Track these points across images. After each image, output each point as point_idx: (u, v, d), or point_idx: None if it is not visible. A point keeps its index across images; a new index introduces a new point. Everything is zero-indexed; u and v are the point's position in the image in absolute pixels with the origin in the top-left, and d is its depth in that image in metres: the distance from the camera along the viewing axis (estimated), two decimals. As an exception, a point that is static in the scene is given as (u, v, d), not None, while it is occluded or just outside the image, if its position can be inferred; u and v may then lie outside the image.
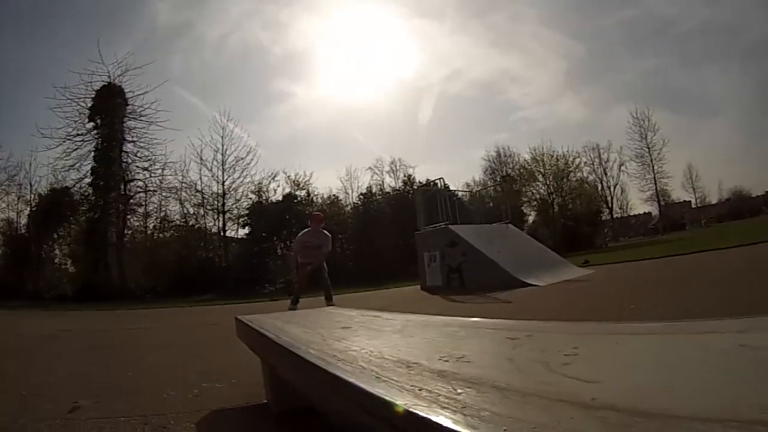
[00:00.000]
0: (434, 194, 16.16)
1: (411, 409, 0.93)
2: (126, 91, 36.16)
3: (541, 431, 0.78)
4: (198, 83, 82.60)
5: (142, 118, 36.54)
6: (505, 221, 15.97)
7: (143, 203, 38.70)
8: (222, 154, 40.30)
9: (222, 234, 39.63)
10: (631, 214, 78.29)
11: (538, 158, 55.90)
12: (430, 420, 0.86)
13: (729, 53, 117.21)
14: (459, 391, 1.03)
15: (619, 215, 70.91)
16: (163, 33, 77.76)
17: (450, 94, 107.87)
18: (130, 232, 38.54)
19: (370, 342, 1.94)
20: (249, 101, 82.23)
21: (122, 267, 34.65)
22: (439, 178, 18.21)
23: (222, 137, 40.69)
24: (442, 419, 0.85)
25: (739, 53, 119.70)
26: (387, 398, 1.02)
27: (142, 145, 36.98)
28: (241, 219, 39.97)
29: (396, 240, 30.25)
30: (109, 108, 35.07)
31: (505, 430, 0.79)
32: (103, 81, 35.51)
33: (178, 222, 39.72)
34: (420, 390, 1.06)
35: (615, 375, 1.13)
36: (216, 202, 39.73)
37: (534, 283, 10.81)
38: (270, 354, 2.41)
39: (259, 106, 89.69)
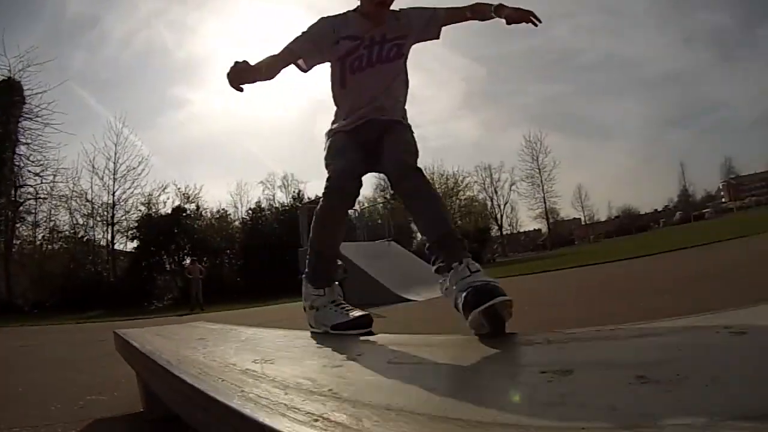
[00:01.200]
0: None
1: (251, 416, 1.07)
2: (25, 88, 34.66)
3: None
4: (98, 82, 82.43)
5: (38, 119, 35.08)
6: (387, 239, 16.88)
7: (33, 211, 37.33)
8: (114, 163, 40.00)
9: (111, 247, 39.11)
10: (521, 230, 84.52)
11: (428, 177, 57.85)
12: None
13: (627, 85, 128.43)
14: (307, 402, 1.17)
15: (508, 232, 76.48)
16: (69, 25, 75.87)
17: None
18: (18, 242, 37.25)
19: (229, 354, 2.23)
20: (146, 105, 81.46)
21: (9, 280, 33.37)
22: (316, 198, 18.90)
23: (115, 144, 40.46)
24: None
25: (636, 85, 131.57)
26: (233, 406, 1.16)
27: (35, 148, 35.60)
28: (130, 232, 39.50)
29: (284, 256, 31.13)
30: (6, 105, 33.60)
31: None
32: (2, 75, 34.01)
33: (67, 233, 38.79)
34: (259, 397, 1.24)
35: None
36: (106, 213, 39.24)
37: (412, 299, 11.62)
38: (138, 364, 2.73)
39: (155, 112, 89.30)
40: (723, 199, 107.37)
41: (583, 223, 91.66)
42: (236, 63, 2.63)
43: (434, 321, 6.71)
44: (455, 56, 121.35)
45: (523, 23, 2.89)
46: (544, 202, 72.94)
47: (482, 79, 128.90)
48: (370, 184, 60.89)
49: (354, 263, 13.14)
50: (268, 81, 2.89)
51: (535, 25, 2.93)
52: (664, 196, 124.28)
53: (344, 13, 2.99)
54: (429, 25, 3.01)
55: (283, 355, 2.14)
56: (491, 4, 2.88)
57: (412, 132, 3.03)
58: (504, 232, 74.40)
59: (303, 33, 2.94)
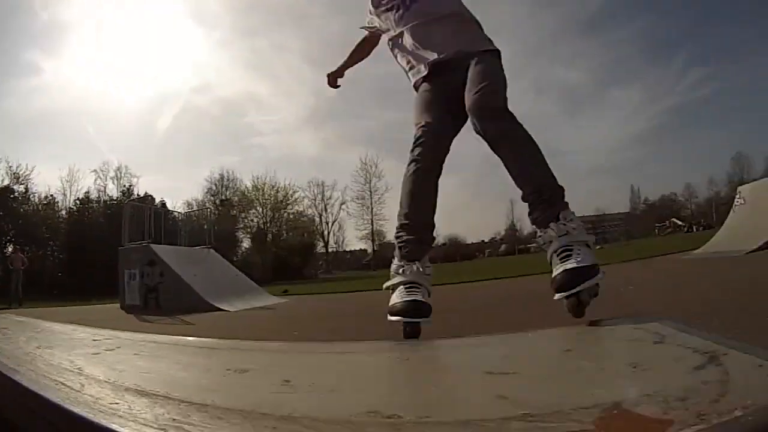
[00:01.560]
0: (142, 209, 16.97)
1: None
2: None
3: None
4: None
5: None
6: (207, 245, 16.59)
7: None
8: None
9: None
10: (347, 249, 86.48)
11: (260, 187, 58.72)
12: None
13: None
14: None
15: (334, 249, 78.01)
16: None
17: (194, 105, 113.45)
18: None
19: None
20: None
21: None
22: (149, 196, 19.30)
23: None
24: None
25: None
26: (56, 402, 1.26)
27: None
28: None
29: (109, 253, 31.45)
30: None
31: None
32: None
33: None
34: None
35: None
36: None
37: (224, 308, 11.45)
38: None
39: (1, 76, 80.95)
40: None
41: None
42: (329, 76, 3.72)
43: (236, 330, 6.98)
44: (312, 69, 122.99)
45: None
46: (372, 224, 75.25)
47: (332, 97, 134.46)
48: (201, 188, 61.42)
49: (170, 267, 13.03)
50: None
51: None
52: (493, 229, 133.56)
53: None
54: None
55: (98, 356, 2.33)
56: None
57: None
58: (330, 249, 75.93)
59: None
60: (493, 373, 1.60)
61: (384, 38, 3.38)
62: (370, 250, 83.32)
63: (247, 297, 13.32)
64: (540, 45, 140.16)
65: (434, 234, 2.94)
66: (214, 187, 58.39)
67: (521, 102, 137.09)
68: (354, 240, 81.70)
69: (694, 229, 71.86)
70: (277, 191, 59.32)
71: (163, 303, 12.77)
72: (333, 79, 3.87)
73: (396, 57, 3.35)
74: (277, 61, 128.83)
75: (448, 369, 2.02)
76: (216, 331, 6.98)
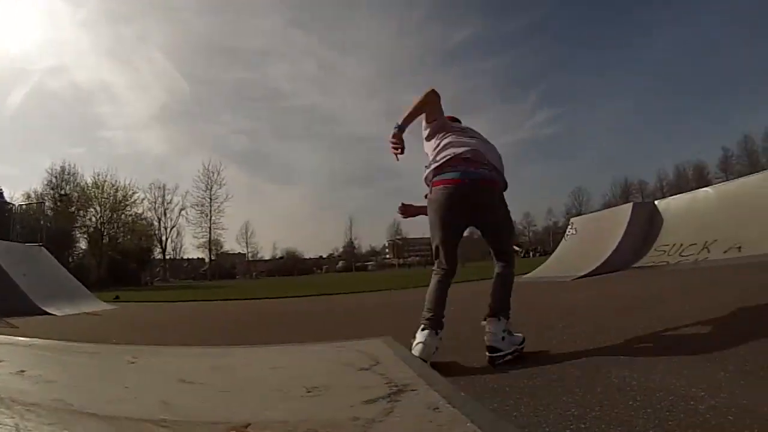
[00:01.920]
0: None
1: None
2: None
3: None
4: None
5: None
6: (39, 244, 15.78)
7: None
8: None
9: None
10: (185, 257, 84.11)
11: (100, 184, 55.43)
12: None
13: (320, 137, 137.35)
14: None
15: (171, 256, 75.81)
16: None
17: (47, 88, 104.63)
18: None
19: None
20: None
21: None
22: None
23: None
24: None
25: (329, 139, 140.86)
26: None
27: None
28: None
29: None
30: None
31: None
32: None
33: None
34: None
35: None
36: None
37: (52, 312, 11.16)
38: None
39: None
40: (387, 255, 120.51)
41: (248, 258, 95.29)
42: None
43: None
44: (166, 63, 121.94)
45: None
46: (210, 233, 74.60)
47: (184, 96, 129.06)
48: (42, 179, 56.35)
49: None
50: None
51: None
52: (331, 245, 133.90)
53: None
54: None
55: None
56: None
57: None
58: (167, 256, 73.96)
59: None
60: (185, 382, 1.93)
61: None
62: (207, 260, 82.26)
63: (76, 301, 13.08)
64: (398, 69, 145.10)
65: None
66: (54, 180, 54.29)
67: (371, 123, 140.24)
68: (191, 248, 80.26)
69: (531, 255, 75.77)
70: (117, 190, 56.35)
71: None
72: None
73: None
74: (138, 53, 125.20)
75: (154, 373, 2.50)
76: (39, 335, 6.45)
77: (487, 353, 3.60)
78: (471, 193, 3.70)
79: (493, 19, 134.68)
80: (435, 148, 3.99)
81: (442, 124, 4.18)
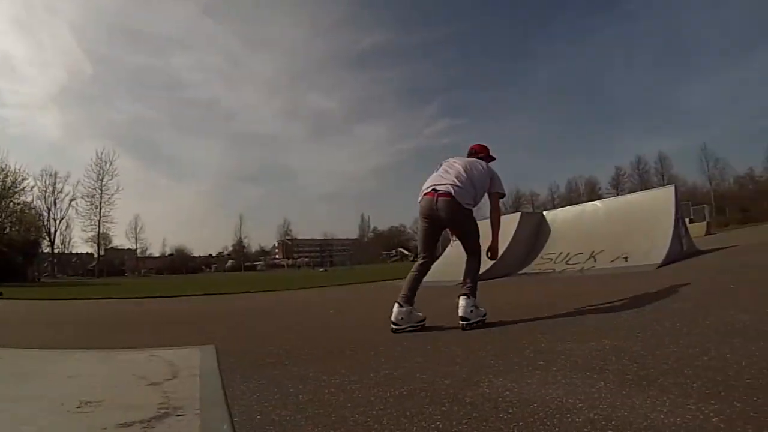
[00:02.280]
0: None
1: None
2: None
3: None
4: None
5: None
6: None
7: None
8: None
9: None
10: (74, 251, 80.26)
11: None
12: None
13: (217, 132, 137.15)
14: None
15: (60, 251, 71.38)
16: None
17: None
18: None
19: None
20: None
21: None
22: None
23: None
24: None
25: (225, 135, 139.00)
26: None
27: None
28: None
29: None
30: None
31: None
32: None
33: None
34: None
35: None
36: None
37: None
38: None
39: None
40: (277, 256, 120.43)
41: (137, 255, 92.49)
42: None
43: None
44: (72, 40, 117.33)
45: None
46: (99, 226, 70.88)
47: (85, 78, 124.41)
48: None
49: None
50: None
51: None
52: (221, 244, 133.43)
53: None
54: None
55: None
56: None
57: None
58: (56, 250, 69.91)
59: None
60: None
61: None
62: (96, 255, 77.96)
63: None
64: (305, 69, 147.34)
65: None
66: None
67: (269, 122, 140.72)
68: (80, 242, 76.18)
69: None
70: (6, 175, 51.96)
71: None
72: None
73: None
74: (46, 25, 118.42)
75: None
76: None
77: (460, 322, 4.76)
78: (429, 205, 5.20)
79: (403, 29, 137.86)
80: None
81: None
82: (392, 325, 4.88)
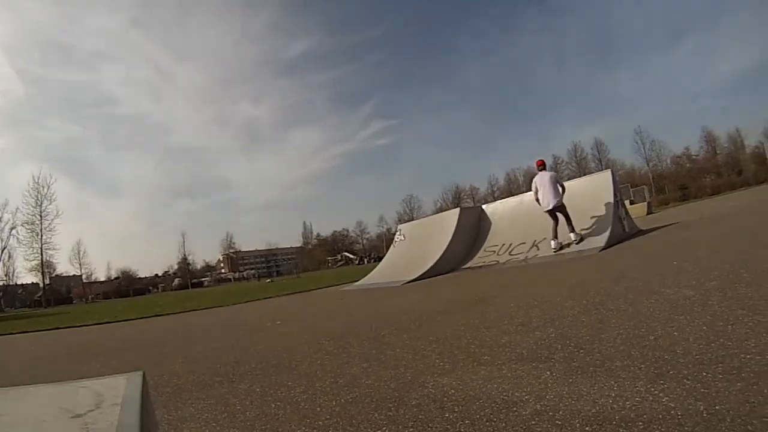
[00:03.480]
0: None
1: None
2: None
3: None
4: None
5: None
6: None
7: None
8: None
9: None
10: (19, 282, 76.23)
11: None
12: None
13: (148, 147, 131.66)
14: None
15: (5, 282, 67.97)
16: None
17: None
18: None
19: None
20: None
21: None
22: None
23: None
24: None
25: (157, 150, 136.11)
26: None
27: None
28: None
29: None
30: None
31: None
32: None
33: None
34: None
35: None
36: None
37: None
38: None
39: None
40: (223, 270, 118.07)
41: (83, 280, 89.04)
42: None
43: None
44: (2, 58, 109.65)
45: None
46: (42, 253, 66.30)
47: (17, 98, 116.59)
48: None
49: None
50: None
51: None
52: (165, 263, 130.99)
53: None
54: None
55: None
56: None
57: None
58: (0, 283, 66.68)
59: None
60: None
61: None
62: (41, 284, 73.72)
63: None
64: (234, 78, 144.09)
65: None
66: None
67: (201, 133, 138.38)
68: (24, 272, 71.33)
69: (365, 261, 77.80)
70: None
71: None
72: None
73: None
74: None
75: None
76: None
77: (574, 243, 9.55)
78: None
79: (332, 33, 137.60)
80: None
81: None
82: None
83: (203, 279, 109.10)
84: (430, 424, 2.07)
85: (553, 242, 10.12)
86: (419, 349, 3.69)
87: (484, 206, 14.30)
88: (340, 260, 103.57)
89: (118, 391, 2.79)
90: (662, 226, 12.36)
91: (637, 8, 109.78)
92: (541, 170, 10.93)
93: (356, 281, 14.68)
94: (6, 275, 67.55)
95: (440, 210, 70.78)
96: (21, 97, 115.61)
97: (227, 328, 8.42)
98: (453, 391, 2.46)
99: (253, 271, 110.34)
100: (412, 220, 23.16)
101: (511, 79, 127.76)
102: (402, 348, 3.85)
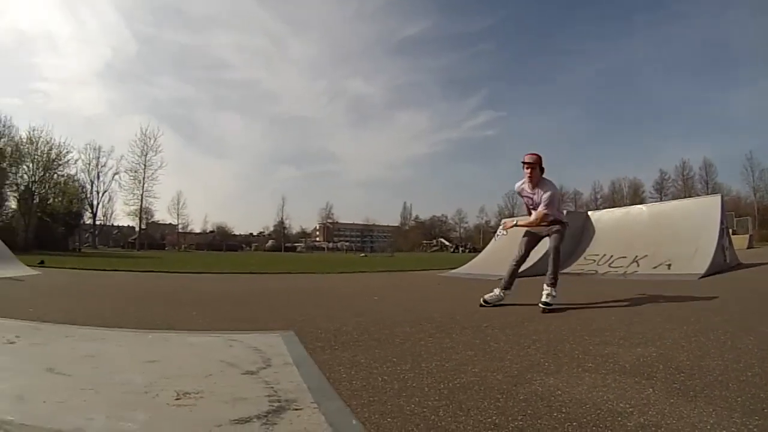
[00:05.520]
0: None
1: None
2: None
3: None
4: None
5: None
6: None
7: None
8: None
9: None
10: (115, 224, 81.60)
11: (35, 140, 51.48)
12: None
13: (258, 112, 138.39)
14: None
15: (102, 222, 72.74)
16: None
17: None
18: None
19: None
20: None
21: None
22: None
23: None
24: None
25: (266, 116, 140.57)
26: None
27: None
28: None
29: None
30: None
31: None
32: None
33: None
34: None
35: None
36: None
37: None
38: None
39: None
40: (318, 238, 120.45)
41: (178, 230, 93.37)
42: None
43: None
44: (118, 19, 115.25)
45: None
46: (141, 200, 70.67)
47: (129, 56, 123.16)
48: None
49: None
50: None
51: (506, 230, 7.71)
52: (261, 223, 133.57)
53: (522, 183, 6.50)
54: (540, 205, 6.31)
55: None
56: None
57: (562, 224, 6.49)
58: (97, 222, 71.34)
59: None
60: (52, 371, 1.85)
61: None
62: (137, 228, 78.20)
63: None
64: (348, 53, 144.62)
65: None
66: None
67: (311, 104, 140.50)
68: (122, 215, 76.14)
69: (460, 250, 75.69)
70: (51, 148, 52.09)
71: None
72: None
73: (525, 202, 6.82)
74: (89, 4, 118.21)
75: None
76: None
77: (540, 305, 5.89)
78: None
79: (447, 18, 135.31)
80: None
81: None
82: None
83: (296, 244, 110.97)
84: (539, 420, 2.20)
85: (496, 290, 6.41)
86: (523, 346, 3.86)
87: (589, 212, 14.08)
88: (434, 245, 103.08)
89: (278, 349, 2.82)
90: (764, 263, 11.84)
91: (760, 27, 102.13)
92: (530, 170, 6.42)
93: (453, 269, 14.67)
94: (104, 216, 72.49)
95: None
96: (133, 54, 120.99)
97: (323, 295, 8.65)
98: (559, 392, 2.60)
99: (347, 244, 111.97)
100: (513, 215, 22.85)
101: (618, 86, 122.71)
102: (505, 342, 4.02)
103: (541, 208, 6.27)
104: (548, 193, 6.26)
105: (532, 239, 6.62)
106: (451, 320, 5.24)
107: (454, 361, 3.37)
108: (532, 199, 6.47)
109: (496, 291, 6.36)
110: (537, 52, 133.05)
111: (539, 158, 6.36)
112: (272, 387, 1.79)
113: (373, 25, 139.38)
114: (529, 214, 6.66)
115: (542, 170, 6.41)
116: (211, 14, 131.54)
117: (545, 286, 6.02)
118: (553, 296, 5.93)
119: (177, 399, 1.53)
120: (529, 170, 6.34)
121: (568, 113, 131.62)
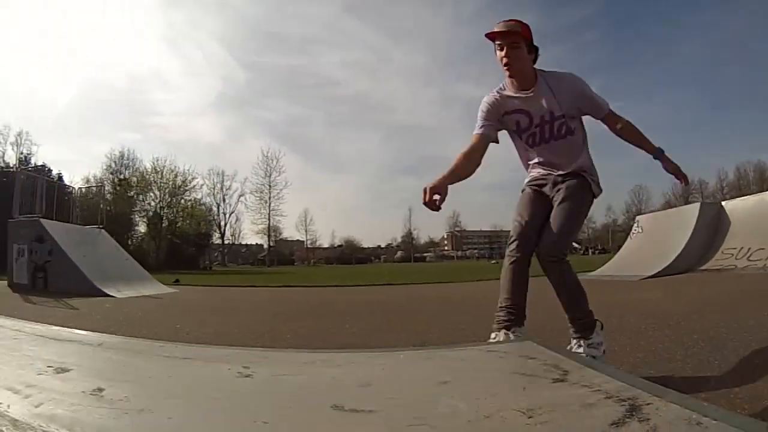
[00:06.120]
0: (34, 180, 15.66)
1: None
2: None
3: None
4: None
5: None
6: (99, 226, 15.62)
7: None
8: None
9: None
10: (243, 243, 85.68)
11: (159, 169, 56.40)
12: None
13: (372, 125, 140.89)
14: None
15: (230, 242, 76.44)
16: None
17: (100, 78, 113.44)
18: None
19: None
20: None
21: None
22: (45, 167, 19.06)
23: None
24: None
25: (380, 128, 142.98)
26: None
27: None
28: None
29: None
30: None
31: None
32: None
33: None
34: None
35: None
36: None
37: (111, 294, 11.01)
38: None
39: None
40: (446, 247, 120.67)
41: (306, 245, 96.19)
42: (426, 190, 2.82)
43: (127, 323, 6.43)
44: (222, 51, 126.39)
45: (675, 177, 3.21)
46: (269, 219, 73.95)
47: (239, 84, 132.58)
48: (101, 164, 59.00)
49: (59, 245, 12.36)
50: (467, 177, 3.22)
51: (685, 184, 3.27)
52: (389, 235, 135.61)
53: (499, 91, 3.29)
54: (592, 112, 3.30)
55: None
56: (654, 146, 3.21)
57: (589, 182, 3.27)
58: (226, 241, 74.44)
59: (478, 118, 3.28)
60: (339, 409, 1.41)
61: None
62: (266, 246, 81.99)
63: (136, 284, 12.89)
64: (453, 59, 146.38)
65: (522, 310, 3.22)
66: (113, 165, 55.96)
67: (423, 112, 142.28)
68: (250, 234, 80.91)
69: (590, 252, 74.81)
70: (176, 176, 57.08)
71: (52, 284, 12.24)
72: (430, 198, 2.90)
73: (516, 146, 3.55)
74: (190, 38, 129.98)
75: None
76: (95, 321, 6.61)
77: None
78: None
79: (549, 11, 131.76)
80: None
81: None
82: None
83: (425, 254, 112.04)
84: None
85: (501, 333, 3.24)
86: (688, 345, 3.70)
87: (723, 203, 13.21)
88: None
89: (544, 354, 2.12)
90: None
91: None
92: (510, 50, 3.12)
93: (589, 272, 14.00)
94: (232, 235, 75.36)
95: (668, 203, 67.62)
96: (242, 81, 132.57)
97: (466, 303, 8.64)
98: (737, 389, 2.48)
99: (475, 251, 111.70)
100: (641, 211, 22.10)
101: (735, 59, 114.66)
102: (670, 343, 3.86)
103: (601, 109, 3.36)
104: (580, 81, 3.37)
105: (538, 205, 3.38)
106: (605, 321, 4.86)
107: (628, 365, 3.28)
108: (528, 114, 3.27)
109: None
110: (640, 33, 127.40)
111: (526, 27, 3.19)
112: (603, 390, 1.36)
113: (472, 28, 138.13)
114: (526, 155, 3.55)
115: (535, 56, 3.27)
116: (308, 35, 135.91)
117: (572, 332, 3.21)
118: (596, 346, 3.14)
119: (530, 418, 1.11)
120: (507, 50, 3.14)
121: (677, 94, 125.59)
